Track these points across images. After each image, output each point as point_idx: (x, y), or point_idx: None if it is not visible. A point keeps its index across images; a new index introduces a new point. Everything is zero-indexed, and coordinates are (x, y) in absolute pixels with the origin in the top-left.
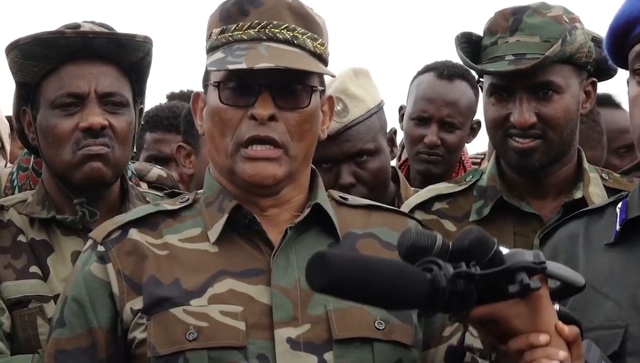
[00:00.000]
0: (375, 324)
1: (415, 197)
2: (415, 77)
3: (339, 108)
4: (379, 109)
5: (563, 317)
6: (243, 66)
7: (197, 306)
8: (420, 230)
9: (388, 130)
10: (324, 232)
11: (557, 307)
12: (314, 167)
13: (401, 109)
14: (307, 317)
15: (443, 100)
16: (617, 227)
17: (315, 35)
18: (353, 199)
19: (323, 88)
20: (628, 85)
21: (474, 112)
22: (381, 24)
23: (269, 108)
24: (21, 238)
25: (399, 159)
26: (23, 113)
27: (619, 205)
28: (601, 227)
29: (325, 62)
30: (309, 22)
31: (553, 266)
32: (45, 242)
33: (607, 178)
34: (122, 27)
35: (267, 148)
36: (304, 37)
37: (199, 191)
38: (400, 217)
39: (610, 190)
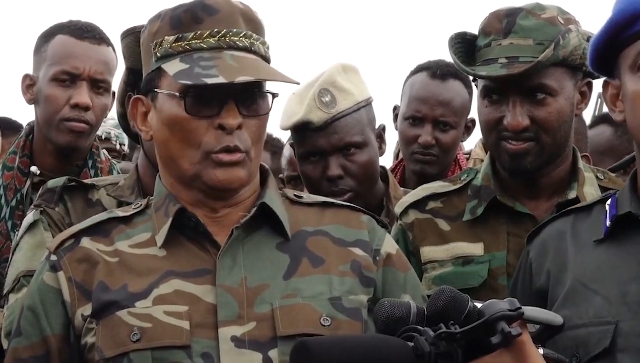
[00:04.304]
0: (321, 320)
1: (410, 195)
2: (408, 77)
3: (327, 99)
4: (367, 103)
5: (549, 359)
6: (222, 80)
7: (142, 307)
8: (393, 301)
9: (377, 127)
10: (274, 231)
11: (541, 350)
12: (267, 166)
13: (395, 109)
14: (253, 315)
15: (437, 100)
16: (607, 223)
17: (264, 40)
18: (308, 197)
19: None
20: (606, 85)
21: (468, 111)
22: (374, 23)
23: (237, 117)
24: None
25: (396, 157)
26: (128, 98)
27: (608, 201)
28: (589, 224)
29: (269, 63)
30: (257, 26)
31: (529, 310)
32: None
33: (602, 177)
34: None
35: (232, 153)
36: (258, 43)
37: (151, 196)
38: (353, 213)
39: (605, 190)
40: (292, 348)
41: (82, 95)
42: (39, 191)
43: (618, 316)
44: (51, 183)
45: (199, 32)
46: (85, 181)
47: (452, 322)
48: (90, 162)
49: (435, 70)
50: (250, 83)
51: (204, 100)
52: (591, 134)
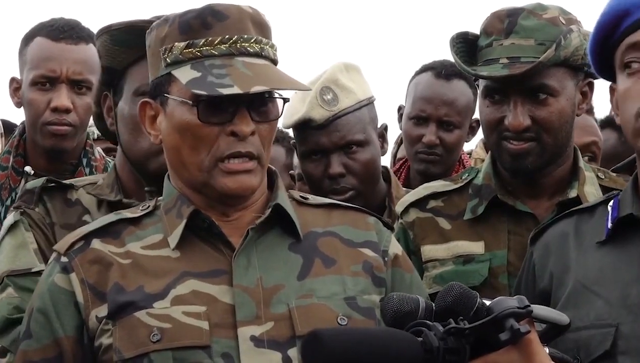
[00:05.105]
0: (338, 320)
1: (411, 194)
2: (413, 77)
3: (329, 97)
4: (369, 102)
5: (554, 358)
6: (237, 91)
7: (160, 308)
8: (402, 295)
9: (379, 126)
10: (285, 232)
11: (547, 349)
12: (274, 168)
13: (400, 108)
14: (270, 315)
15: (441, 99)
16: (609, 225)
17: (272, 42)
18: (314, 198)
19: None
20: (612, 90)
21: (472, 111)
22: (378, 24)
23: (250, 124)
24: (87, 218)
25: (394, 158)
26: (104, 98)
27: (611, 203)
28: (592, 225)
29: (277, 65)
30: (266, 30)
31: (537, 308)
32: None
33: (603, 177)
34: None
35: (244, 160)
36: (267, 47)
37: (159, 198)
38: (359, 214)
39: (605, 189)
40: (304, 339)
41: (61, 98)
42: (19, 193)
43: (619, 319)
44: (30, 184)
45: (209, 39)
46: (64, 182)
47: (461, 317)
48: (84, 161)
49: (440, 70)
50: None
51: (216, 107)
52: None
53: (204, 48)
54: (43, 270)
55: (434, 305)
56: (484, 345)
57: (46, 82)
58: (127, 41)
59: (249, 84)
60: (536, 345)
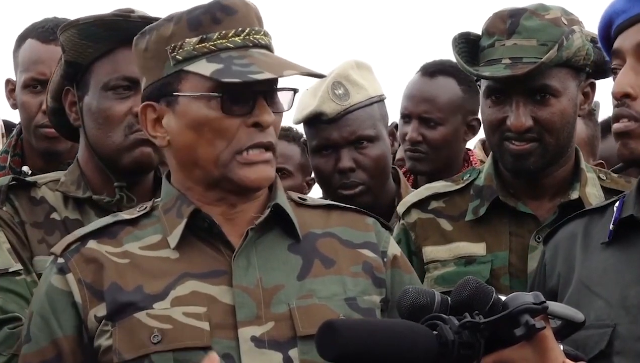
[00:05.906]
0: None
1: (412, 195)
2: None
3: (340, 92)
4: (380, 99)
5: (569, 356)
6: (270, 75)
7: (160, 309)
8: (417, 289)
9: (389, 124)
10: (285, 233)
11: (561, 346)
12: None
13: None
14: (271, 315)
15: (421, 96)
16: (611, 226)
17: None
18: (312, 200)
19: None
20: None
21: (458, 108)
22: (389, 25)
23: (271, 114)
24: (55, 216)
25: (393, 158)
26: (66, 93)
27: (617, 204)
28: (600, 226)
29: None
30: (262, 24)
31: (553, 305)
32: (79, 222)
33: (605, 178)
34: None
35: (261, 151)
36: (270, 40)
37: (156, 199)
38: (358, 215)
39: (607, 191)
40: (318, 329)
41: None
42: None
43: (617, 319)
44: None
45: (223, 32)
46: (27, 179)
47: (476, 312)
48: None
49: (427, 68)
50: (273, 80)
51: (237, 98)
52: (601, 147)
53: (219, 41)
54: (20, 270)
55: (449, 299)
56: (499, 340)
57: (37, 84)
58: (95, 35)
59: (278, 69)
60: (551, 342)
